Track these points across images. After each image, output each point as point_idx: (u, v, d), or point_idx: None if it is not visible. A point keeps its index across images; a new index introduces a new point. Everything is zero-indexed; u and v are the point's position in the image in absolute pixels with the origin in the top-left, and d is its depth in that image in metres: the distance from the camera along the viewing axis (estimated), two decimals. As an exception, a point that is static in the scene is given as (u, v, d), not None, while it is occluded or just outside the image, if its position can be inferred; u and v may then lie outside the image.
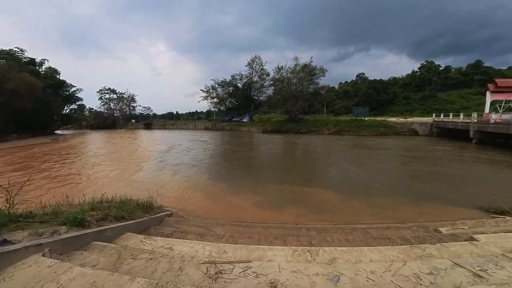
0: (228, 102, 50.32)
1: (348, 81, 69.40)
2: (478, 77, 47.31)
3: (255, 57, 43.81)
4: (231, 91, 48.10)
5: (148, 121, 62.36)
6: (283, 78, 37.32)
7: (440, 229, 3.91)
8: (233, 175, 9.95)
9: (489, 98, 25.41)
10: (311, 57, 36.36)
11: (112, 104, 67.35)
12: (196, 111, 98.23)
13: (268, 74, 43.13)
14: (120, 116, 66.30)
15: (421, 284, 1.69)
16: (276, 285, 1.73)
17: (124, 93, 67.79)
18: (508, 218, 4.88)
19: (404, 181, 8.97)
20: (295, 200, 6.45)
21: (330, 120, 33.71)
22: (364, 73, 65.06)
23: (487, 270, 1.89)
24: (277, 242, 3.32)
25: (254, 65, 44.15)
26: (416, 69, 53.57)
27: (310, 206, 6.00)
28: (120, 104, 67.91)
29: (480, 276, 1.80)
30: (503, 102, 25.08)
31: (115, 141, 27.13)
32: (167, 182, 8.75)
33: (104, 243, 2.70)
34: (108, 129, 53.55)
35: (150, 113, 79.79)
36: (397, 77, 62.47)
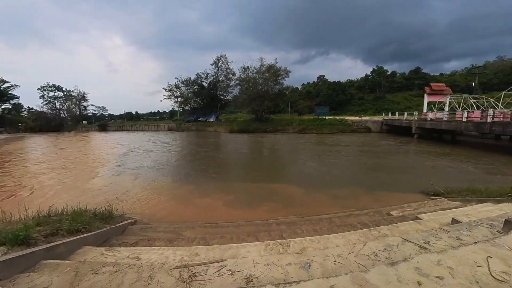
0: (193, 102, 48.67)
1: (310, 82, 73.30)
2: (418, 82, 54.86)
3: (220, 56, 43.31)
4: (196, 90, 46.62)
5: (103, 122, 56.37)
6: (249, 78, 37.68)
7: (391, 212, 4.44)
8: (200, 176, 9.70)
9: (426, 99, 29.85)
10: (276, 59, 37.35)
11: (57, 104, 59.25)
12: (158, 111, 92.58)
13: (234, 74, 43.08)
14: (68, 117, 58.69)
15: (378, 260, 1.90)
16: (252, 279, 1.76)
17: (72, 91, 60.15)
18: (443, 198, 5.79)
19: (361, 173, 9.90)
20: (264, 197, 6.60)
21: (294, 120, 35.24)
22: (324, 75, 69.57)
23: (429, 242, 2.23)
24: (250, 239, 3.36)
25: (220, 64, 43.62)
26: (368, 73, 60.04)
27: (279, 201, 6.21)
28: (68, 103, 60.10)
29: (424, 247, 2.11)
30: (437, 103, 29.53)
31: (64, 146, 23.94)
32: (128, 188, 8.09)
33: (57, 261, 2.38)
34: (53, 132, 46.89)
35: (105, 113, 72.53)
36: (353, 79, 68.57)
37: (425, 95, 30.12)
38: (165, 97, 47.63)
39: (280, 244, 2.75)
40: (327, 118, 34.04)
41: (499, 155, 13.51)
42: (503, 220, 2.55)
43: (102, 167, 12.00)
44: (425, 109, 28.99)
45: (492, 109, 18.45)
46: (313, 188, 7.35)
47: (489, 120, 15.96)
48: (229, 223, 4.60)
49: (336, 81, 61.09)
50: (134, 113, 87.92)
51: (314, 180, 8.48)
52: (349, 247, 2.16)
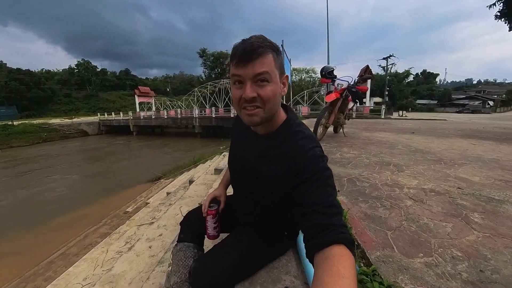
0: None
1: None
2: (129, 82, 58.80)
3: None
4: None
5: None
6: None
7: (127, 210, 4.91)
8: None
9: (137, 100, 33.68)
10: None
11: None
12: None
13: None
14: None
15: (122, 255, 2.23)
16: None
17: None
18: (162, 180, 7.54)
19: (92, 186, 8.89)
20: None
21: None
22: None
23: (155, 216, 3.02)
24: None
25: None
26: (73, 65, 51.06)
27: None
28: None
29: (152, 222, 2.84)
30: (146, 103, 34.74)
31: None
32: None
33: None
34: None
35: None
36: (53, 70, 54.15)
37: (136, 96, 33.94)
38: None
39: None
40: (16, 123, 23.72)
41: (190, 139, 20.30)
42: (188, 181, 4.24)
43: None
44: (137, 109, 32.77)
45: (179, 109, 26.57)
46: (38, 231, 5.10)
47: (179, 116, 22.95)
48: None
49: (25, 68, 43.18)
50: None
51: (41, 218, 5.85)
52: (93, 265, 2.19)
